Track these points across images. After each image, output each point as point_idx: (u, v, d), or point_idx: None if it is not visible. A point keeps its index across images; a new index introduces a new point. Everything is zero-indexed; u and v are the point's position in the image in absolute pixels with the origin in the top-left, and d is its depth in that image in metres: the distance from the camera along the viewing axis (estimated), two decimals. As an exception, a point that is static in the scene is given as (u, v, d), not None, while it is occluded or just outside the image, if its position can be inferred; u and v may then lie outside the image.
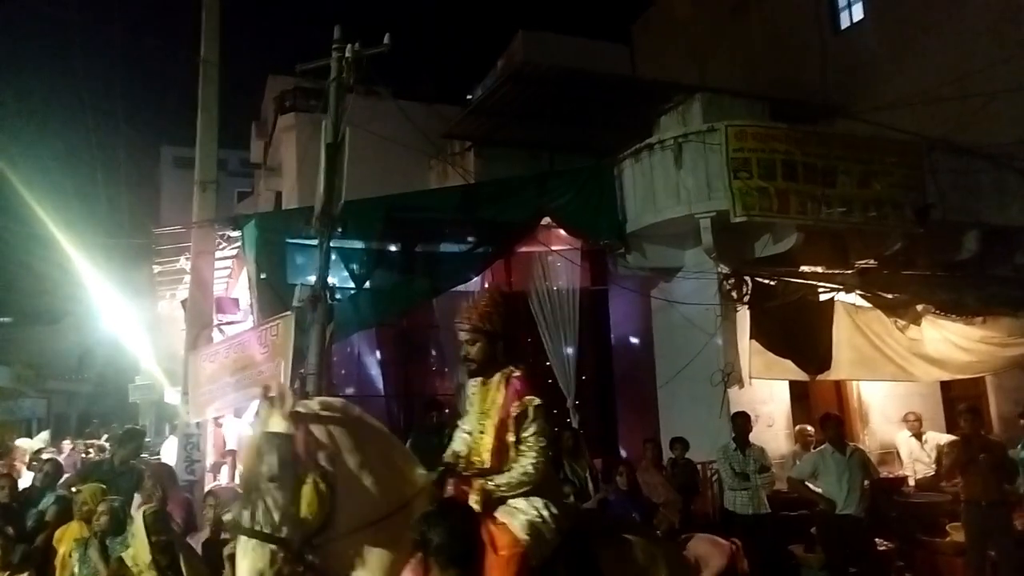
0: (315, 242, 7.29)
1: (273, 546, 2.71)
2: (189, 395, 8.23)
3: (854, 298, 9.54)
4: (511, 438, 3.28)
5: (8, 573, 5.25)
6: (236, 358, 7.50)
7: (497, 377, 3.40)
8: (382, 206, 8.85)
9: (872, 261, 9.60)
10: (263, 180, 21.50)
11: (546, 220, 9.42)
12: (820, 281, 9.43)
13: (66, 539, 5.13)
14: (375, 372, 10.71)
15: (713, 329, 9.18)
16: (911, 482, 9.02)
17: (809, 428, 9.03)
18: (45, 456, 9.15)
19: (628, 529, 3.63)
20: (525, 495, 3.19)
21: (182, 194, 15.13)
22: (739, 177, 8.80)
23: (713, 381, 9.05)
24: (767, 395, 9.39)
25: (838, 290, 9.44)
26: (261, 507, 2.74)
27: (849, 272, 9.51)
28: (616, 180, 9.78)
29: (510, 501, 3.18)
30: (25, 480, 7.96)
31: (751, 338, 9.02)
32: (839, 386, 10.17)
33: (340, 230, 7.19)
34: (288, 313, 7.00)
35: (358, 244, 8.59)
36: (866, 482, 7.24)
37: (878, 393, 10.14)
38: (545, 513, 3.17)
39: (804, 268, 9.38)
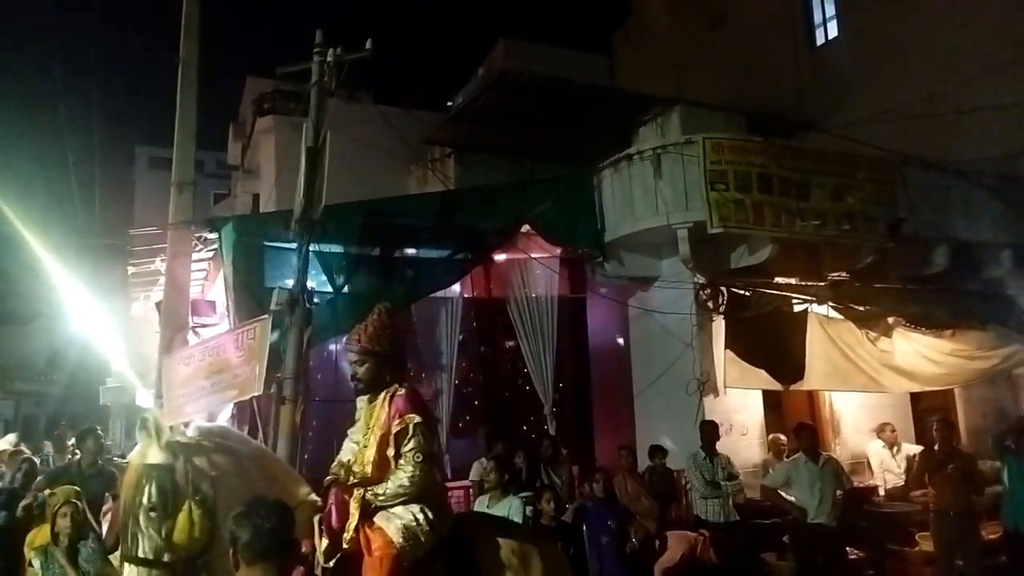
0: (293, 245, 7.25)
1: (157, 571, 2.90)
2: (163, 398, 8.12)
3: (827, 310, 9.69)
4: (391, 452, 3.48)
5: None
6: (211, 361, 7.41)
7: (383, 395, 3.60)
8: (361, 211, 8.83)
9: (845, 273, 9.73)
10: (240, 182, 21.31)
11: (525, 227, 9.46)
12: (794, 292, 9.57)
13: (37, 542, 5.03)
14: (353, 377, 10.62)
15: (689, 338, 9.28)
16: (881, 492, 9.15)
17: (782, 437, 9.14)
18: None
19: (507, 531, 3.90)
20: (404, 503, 3.40)
21: (157, 195, 14.99)
22: (716, 189, 8.91)
23: (689, 390, 9.14)
24: (741, 404, 9.49)
25: (811, 302, 9.58)
26: (143, 535, 2.92)
27: (822, 284, 9.65)
28: (595, 189, 9.87)
29: (390, 508, 3.40)
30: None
31: (726, 348, 9.13)
32: (812, 396, 10.30)
33: (320, 234, 7.17)
34: (265, 316, 6.94)
35: (337, 248, 8.56)
36: (838, 491, 7.31)
37: (850, 403, 10.28)
38: (420, 517, 3.39)
39: (778, 279, 9.51)
